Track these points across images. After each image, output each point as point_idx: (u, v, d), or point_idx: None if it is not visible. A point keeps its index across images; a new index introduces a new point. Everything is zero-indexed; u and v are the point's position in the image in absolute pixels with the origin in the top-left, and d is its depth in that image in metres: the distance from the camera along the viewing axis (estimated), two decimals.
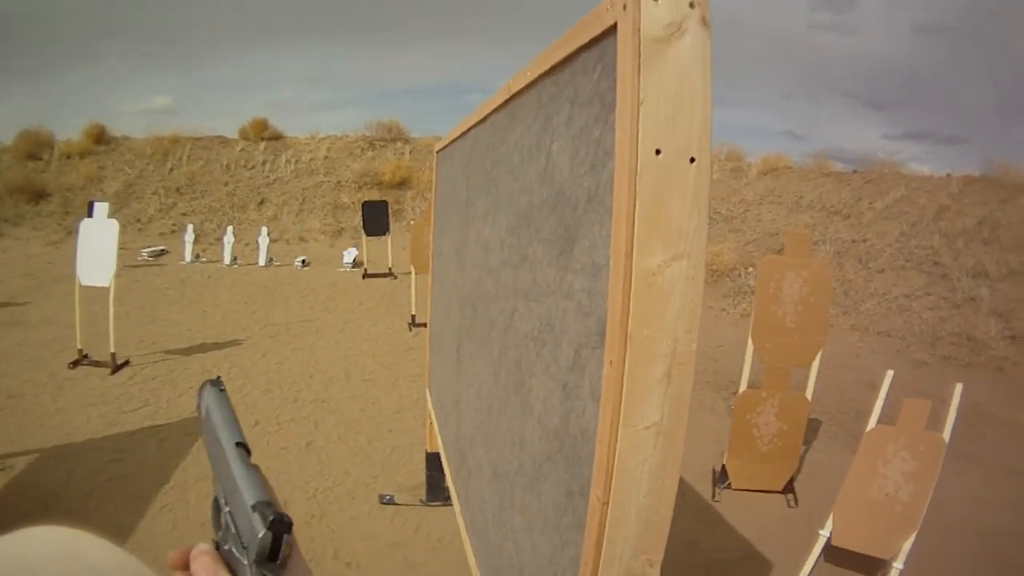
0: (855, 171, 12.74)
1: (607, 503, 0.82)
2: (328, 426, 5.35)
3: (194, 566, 0.54)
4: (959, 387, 3.31)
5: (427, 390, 3.67)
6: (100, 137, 17.65)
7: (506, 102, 1.53)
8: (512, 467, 1.34)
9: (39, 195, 15.75)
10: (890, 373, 3.61)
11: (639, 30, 0.74)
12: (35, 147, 17.04)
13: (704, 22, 0.76)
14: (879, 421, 3.41)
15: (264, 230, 13.21)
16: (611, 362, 0.79)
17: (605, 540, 0.84)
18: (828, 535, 3.34)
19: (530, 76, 1.26)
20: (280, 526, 0.52)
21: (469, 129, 2.22)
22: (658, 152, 0.75)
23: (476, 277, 1.87)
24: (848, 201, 11.38)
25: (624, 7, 0.77)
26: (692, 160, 0.76)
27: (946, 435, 3.14)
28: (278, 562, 0.53)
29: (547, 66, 1.14)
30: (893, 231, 10.23)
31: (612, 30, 0.82)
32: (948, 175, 11.48)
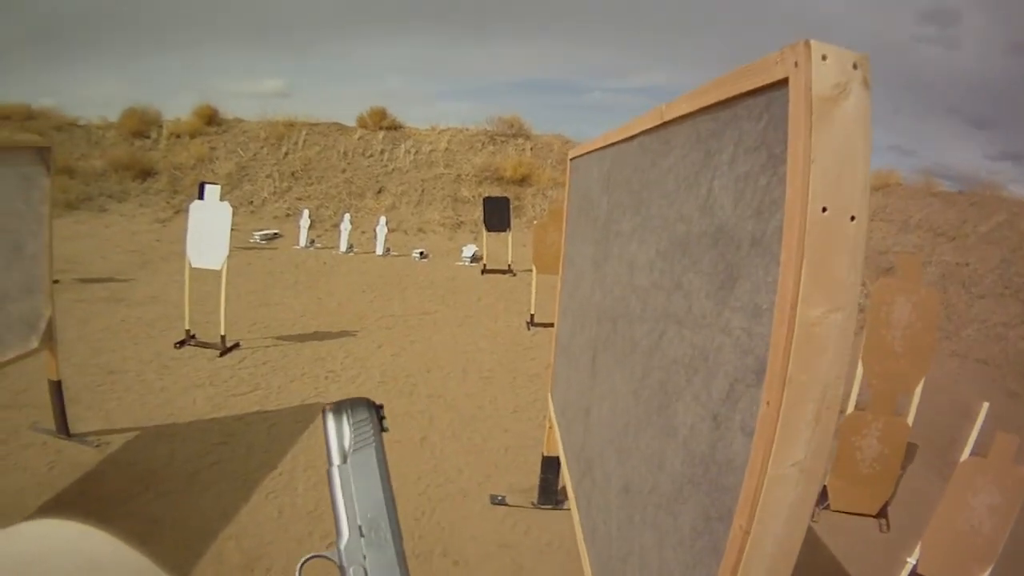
0: (960, 192, 12.19)
1: (748, 532, 0.87)
2: (443, 422, 5.27)
3: None
4: None
5: (549, 395, 3.72)
6: (211, 118, 17.84)
7: (657, 127, 1.57)
8: (647, 484, 1.40)
9: (146, 173, 16.03)
10: (985, 405, 3.54)
11: (811, 88, 0.79)
12: (141, 125, 17.27)
13: (865, 83, 0.80)
14: (972, 452, 3.34)
15: (382, 219, 13.09)
16: (768, 403, 0.84)
17: (741, 566, 0.89)
18: (915, 563, 3.28)
19: (686, 108, 1.31)
20: None
21: (610, 144, 2.26)
22: (824, 210, 0.79)
23: (618, 293, 1.92)
24: (954, 223, 10.80)
25: (796, 64, 0.81)
26: (852, 218, 0.81)
27: None
28: None
29: (705, 103, 1.18)
30: (995, 256, 9.68)
31: (782, 84, 0.86)
32: None
